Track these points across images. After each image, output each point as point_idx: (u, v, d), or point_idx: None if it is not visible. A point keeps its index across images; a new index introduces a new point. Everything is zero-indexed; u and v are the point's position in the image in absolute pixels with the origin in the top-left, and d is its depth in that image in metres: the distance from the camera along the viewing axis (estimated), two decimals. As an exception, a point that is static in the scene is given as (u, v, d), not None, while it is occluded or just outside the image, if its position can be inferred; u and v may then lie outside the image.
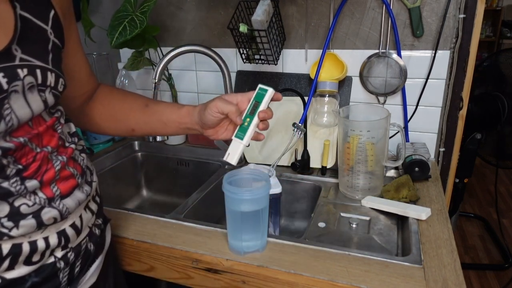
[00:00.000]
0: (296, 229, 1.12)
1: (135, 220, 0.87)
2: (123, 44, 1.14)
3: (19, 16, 0.49)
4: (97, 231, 0.65)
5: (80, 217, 0.59)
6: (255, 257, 0.73)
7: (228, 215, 0.74)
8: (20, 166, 0.49)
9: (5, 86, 0.45)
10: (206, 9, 1.28)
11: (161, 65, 1.01)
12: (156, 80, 1.01)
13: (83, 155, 0.63)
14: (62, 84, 0.55)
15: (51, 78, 0.52)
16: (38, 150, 0.52)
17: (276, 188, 0.93)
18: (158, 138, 1.01)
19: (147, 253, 0.79)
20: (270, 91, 0.67)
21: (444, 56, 1.07)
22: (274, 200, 0.94)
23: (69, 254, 0.57)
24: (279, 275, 0.69)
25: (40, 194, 0.52)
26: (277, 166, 1.11)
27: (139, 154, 1.40)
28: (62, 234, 0.55)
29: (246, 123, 0.68)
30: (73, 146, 0.59)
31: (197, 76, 1.38)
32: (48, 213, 0.52)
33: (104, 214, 0.70)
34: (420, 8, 1.04)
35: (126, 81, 1.38)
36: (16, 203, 0.49)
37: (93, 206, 0.63)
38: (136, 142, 1.40)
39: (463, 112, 1.11)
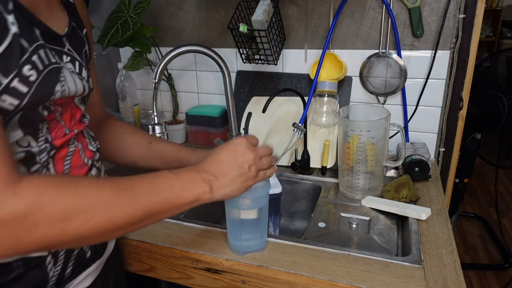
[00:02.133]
0: (296, 229, 1.12)
1: (135, 220, 0.87)
2: (115, 44, 1.14)
3: (69, 22, 0.59)
4: None
5: None
6: (255, 257, 0.73)
7: (228, 215, 0.74)
8: (49, 137, 0.54)
9: (58, 61, 0.52)
10: (206, 9, 1.28)
11: (161, 65, 1.01)
12: (156, 80, 1.00)
13: (99, 164, 0.66)
14: (89, 88, 0.61)
15: (85, 74, 0.60)
16: (67, 132, 0.57)
17: (276, 188, 0.93)
18: (158, 138, 1.01)
19: (147, 253, 0.79)
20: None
21: (444, 56, 1.07)
22: (274, 200, 0.94)
23: (60, 254, 0.56)
24: (279, 275, 0.69)
25: (52, 171, 0.54)
26: (277, 166, 1.11)
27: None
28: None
29: None
30: (94, 149, 0.64)
31: (197, 76, 1.38)
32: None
33: None
34: (420, 8, 1.04)
35: (126, 83, 1.38)
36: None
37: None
38: (136, 142, 1.40)
39: (463, 112, 1.11)
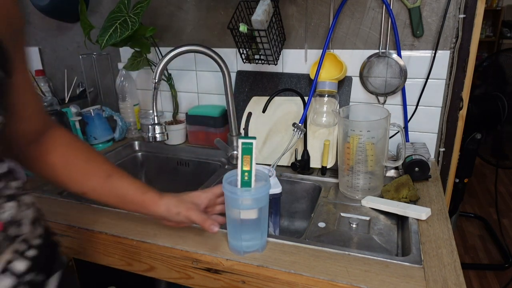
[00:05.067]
0: (296, 229, 1.12)
1: (135, 220, 0.87)
2: (113, 44, 1.14)
3: None
4: None
5: None
6: (255, 257, 0.73)
7: (227, 215, 0.74)
8: None
9: None
10: (206, 9, 1.28)
11: (161, 65, 1.01)
12: (156, 80, 1.01)
13: (9, 204, 0.50)
14: (1, 123, 0.47)
15: None
16: None
17: (276, 188, 0.93)
18: (158, 138, 1.01)
19: (147, 253, 0.79)
20: (255, 142, 0.69)
21: (444, 56, 1.07)
22: (274, 200, 0.94)
23: None
24: (279, 275, 0.69)
25: None
26: (277, 166, 1.11)
27: (139, 154, 1.40)
28: None
29: (246, 178, 0.70)
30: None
31: (197, 76, 1.38)
32: None
33: (51, 263, 0.58)
34: (420, 8, 1.04)
35: (126, 83, 1.38)
36: None
37: (21, 265, 0.51)
38: (136, 142, 1.40)
39: (463, 112, 1.11)
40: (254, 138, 0.69)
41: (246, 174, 0.70)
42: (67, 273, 0.61)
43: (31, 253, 0.53)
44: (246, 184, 0.70)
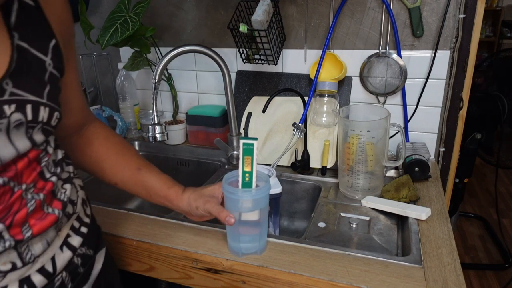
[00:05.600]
0: (296, 229, 1.12)
1: (135, 220, 0.87)
2: (114, 44, 1.14)
3: (16, 47, 0.45)
4: (80, 267, 0.58)
5: (53, 259, 0.53)
6: (255, 257, 0.73)
7: None
8: None
9: None
10: (206, 9, 1.28)
11: (161, 65, 1.01)
12: (156, 80, 1.01)
13: (66, 186, 0.57)
14: (57, 118, 0.51)
15: (43, 113, 0.48)
16: (16, 189, 0.47)
17: (276, 188, 0.93)
18: (158, 138, 1.01)
19: (147, 253, 0.79)
20: (256, 142, 0.68)
21: (444, 56, 1.07)
22: (274, 200, 0.94)
23: None
24: (279, 275, 0.69)
25: (7, 236, 0.46)
26: (277, 166, 1.11)
27: (139, 154, 1.40)
28: (25, 282, 0.49)
29: (247, 179, 0.69)
30: (53, 179, 0.53)
31: (197, 76, 1.38)
32: (4, 257, 0.46)
33: (97, 241, 0.65)
34: (420, 8, 1.04)
35: (126, 83, 1.38)
36: None
37: (76, 241, 0.58)
38: (136, 142, 1.40)
39: (463, 112, 1.11)
40: (255, 139, 0.68)
41: (247, 175, 0.69)
42: (108, 253, 0.69)
43: (83, 229, 0.60)
44: (246, 185, 0.69)
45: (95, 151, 0.71)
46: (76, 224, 0.59)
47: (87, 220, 0.62)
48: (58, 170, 0.55)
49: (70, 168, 0.60)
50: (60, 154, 0.57)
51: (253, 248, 0.74)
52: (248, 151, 0.68)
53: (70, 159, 0.62)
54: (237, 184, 0.70)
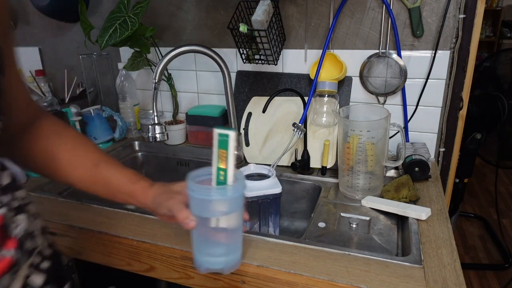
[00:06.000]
0: (296, 229, 1.12)
1: (135, 220, 0.87)
2: (113, 44, 1.14)
3: None
4: None
5: None
6: (254, 257, 0.73)
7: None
8: None
9: None
10: (206, 9, 1.28)
11: (161, 65, 1.01)
12: (156, 80, 1.01)
13: (20, 217, 0.46)
14: (0, 130, 0.45)
15: None
16: None
17: (276, 188, 0.93)
18: (158, 138, 1.01)
19: (147, 253, 0.79)
20: (234, 134, 0.57)
21: (444, 56, 1.07)
22: (274, 200, 0.94)
23: None
24: (279, 275, 0.69)
25: None
26: (277, 166, 1.11)
27: (139, 154, 1.40)
28: None
29: (221, 177, 0.58)
30: (2, 211, 0.44)
31: (197, 76, 1.38)
32: None
33: (62, 275, 0.55)
34: (420, 8, 1.04)
35: (126, 83, 1.38)
36: None
37: (38, 279, 0.48)
38: (136, 142, 1.40)
39: (463, 112, 1.11)
40: (233, 129, 0.57)
41: (221, 173, 0.58)
42: (73, 283, 0.60)
43: (45, 264, 0.51)
44: (220, 184, 0.59)
45: (45, 149, 0.62)
46: (37, 260, 0.49)
47: (48, 252, 0.52)
48: (7, 198, 0.45)
49: (22, 193, 0.49)
50: (7, 178, 0.46)
51: (220, 264, 0.61)
52: (223, 143, 0.57)
53: (18, 178, 0.51)
54: (209, 184, 0.60)
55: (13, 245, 0.44)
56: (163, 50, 1.34)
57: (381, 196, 0.96)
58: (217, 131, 0.56)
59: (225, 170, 0.57)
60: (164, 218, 0.66)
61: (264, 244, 0.77)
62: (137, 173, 0.68)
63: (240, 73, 1.29)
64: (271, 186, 0.94)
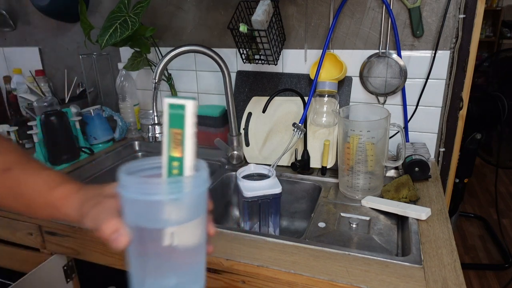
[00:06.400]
0: (296, 229, 1.12)
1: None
2: (113, 44, 1.14)
3: None
4: None
5: None
6: (255, 257, 0.73)
7: (134, 239, 0.39)
8: None
9: None
10: (206, 9, 1.28)
11: (161, 65, 1.01)
12: (156, 80, 1.01)
13: None
14: None
15: None
16: None
17: (276, 188, 0.93)
18: (158, 138, 1.01)
19: (147, 253, 0.79)
20: (190, 105, 0.38)
21: (444, 56, 1.07)
22: (274, 200, 0.94)
23: None
24: (279, 275, 0.69)
25: None
26: (277, 166, 1.11)
27: (139, 154, 1.40)
28: None
29: (175, 170, 0.39)
30: None
31: (197, 76, 1.38)
32: None
33: None
34: (420, 8, 1.04)
35: (126, 83, 1.38)
36: None
37: None
38: (136, 142, 1.40)
39: (463, 112, 1.11)
40: (192, 98, 0.38)
41: (175, 163, 0.39)
42: None
43: None
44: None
45: None
46: None
47: None
48: None
49: None
50: None
51: None
52: (177, 119, 0.38)
53: None
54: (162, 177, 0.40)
55: None
56: (163, 50, 1.34)
57: (381, 196, 0.96)
58: (167, 101, 0.38)
59: (180, 160, 0.38)
60: (98, 235, 0.41)
61: (264, 244, 0.77)
62: (62, 174, 0.51)
63: (240, 73, 1.29)
64: (271, 186, 0.94)
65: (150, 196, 0.36)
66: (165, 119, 0.38)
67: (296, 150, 1.12)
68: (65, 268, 0.95)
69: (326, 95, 1.12)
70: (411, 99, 1.13)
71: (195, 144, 0.39)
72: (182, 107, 0.37)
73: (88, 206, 0.43)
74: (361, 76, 1.15)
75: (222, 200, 1.15)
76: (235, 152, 1.17)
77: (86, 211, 0.43)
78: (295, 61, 1.22)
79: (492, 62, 1.78)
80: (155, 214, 0.37)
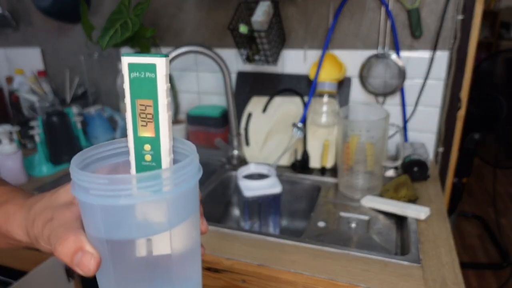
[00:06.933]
0: (296, 229, 1.13)
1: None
2: (114, 45, 1.14)
3: None
4: None
5: None
6: (255, 256, 0.74)
7: (97, 247, 0.29)
8: None
9: None
10: (206, 10, 1.28)
11: (162, 66, 1.01)
12: (157, 81, 1.01)
13: None
14: None
15: None
16: None
17: (276, 187, 0.94)
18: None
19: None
20: (162, 64, 0.29)
21: (442, 57, 1.08)
22: (274, 199, 0.95)
23: None
24: (279, 274, 0.70)
25: None
26: (277, 166, 1.11)
27: None
28: None
29: (148, 157, 0.30)
30: None
31: (198, 76, 1.38)
32: None
33: None
34: (419, 9, 1.05)
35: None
36: None
37: None
38: (136, 142, 1.41)
39: (461, 113, 1.12)
40: (165, 55, 0.30)
41: (147, 148, 0.30)
42: None
43: None
44: (147, 170, 0.30)
45: None
46: None
47: None
48: None
49: None
50: None
51: None
52: (145, 86, 0.29)
53: None
54: (126, 173, 0.32)
55: None
56: (164, 50, 1.35)
57: (380, 196, 0.97)
58: (127, 61, 0.28)
59: (154, 142, 0.29)
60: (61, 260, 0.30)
61: (264, 244, 0.78)
62: (9, 189, 0.40)
63: (240, 74, 1.30)
64: (271, 186, 0.94)
65: (119, 200, 0.26)
66: (126, 87, 0.28)
67: (296, 150, 1.12)
68: (66, 267, 0.96)
69: (326, 96, 1.12)
70: (410, 99, 1.14)
71: (171, 119, 0.29)
72: (151, 67, 0.28)
73: (38, 225, 0.33)
74: (360, 77, 1.16)
75: (222, 200, 1.16)
76: (236, 152, 1.18)
77: (37, 232, 0.33)
78: (295, 61, 1.23)
79: (491, 63, 1.79)
80: (129, 221, 0.27)
